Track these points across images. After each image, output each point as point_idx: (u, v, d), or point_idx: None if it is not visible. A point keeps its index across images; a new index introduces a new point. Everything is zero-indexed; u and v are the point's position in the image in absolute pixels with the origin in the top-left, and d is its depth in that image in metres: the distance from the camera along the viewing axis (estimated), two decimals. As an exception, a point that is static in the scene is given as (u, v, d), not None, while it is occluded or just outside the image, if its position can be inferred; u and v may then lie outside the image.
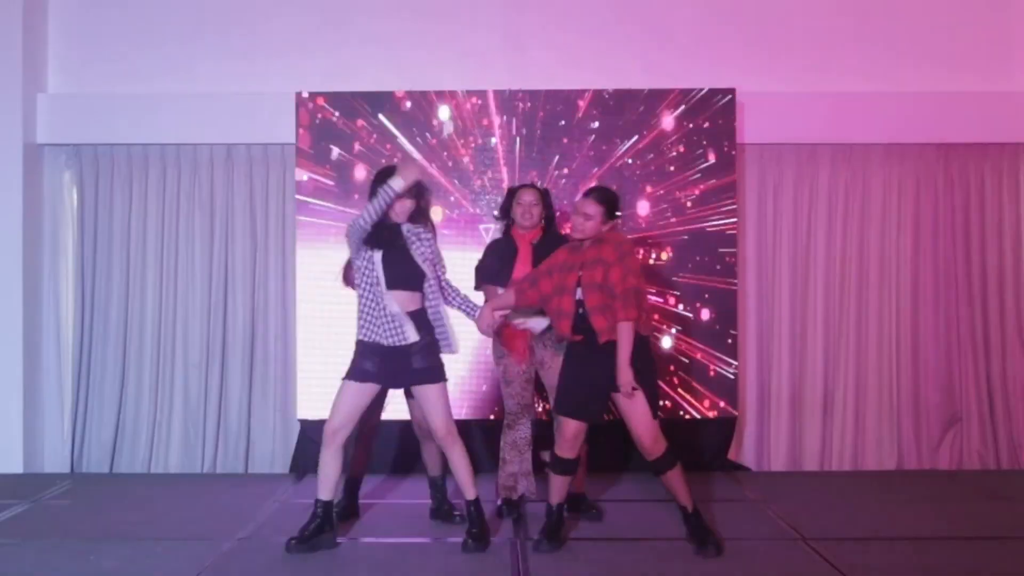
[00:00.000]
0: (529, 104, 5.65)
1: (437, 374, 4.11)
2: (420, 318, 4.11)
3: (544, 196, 4.74)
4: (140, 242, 5.96)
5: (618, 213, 4.19)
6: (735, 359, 5.66)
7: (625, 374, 3.91)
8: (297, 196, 5.65)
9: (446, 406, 4.14)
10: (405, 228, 4.15)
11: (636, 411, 3.97)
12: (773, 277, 5.99)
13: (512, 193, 4.76)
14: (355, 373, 4.10)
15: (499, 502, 4.69)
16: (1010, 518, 4.65)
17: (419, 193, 4.17)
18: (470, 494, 4.16)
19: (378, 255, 4.08)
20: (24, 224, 5.77)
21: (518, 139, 5.65)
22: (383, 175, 4.10)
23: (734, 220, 5.66)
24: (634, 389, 3.93)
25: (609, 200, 4.12)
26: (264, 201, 6.00)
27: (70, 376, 5.93)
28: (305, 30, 5.98)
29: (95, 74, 6.01)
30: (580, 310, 4.03)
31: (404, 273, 4.09)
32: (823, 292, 5.97)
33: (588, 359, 4.06)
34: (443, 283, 4.26)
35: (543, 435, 4.76)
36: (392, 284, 4.07)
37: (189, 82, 5.98)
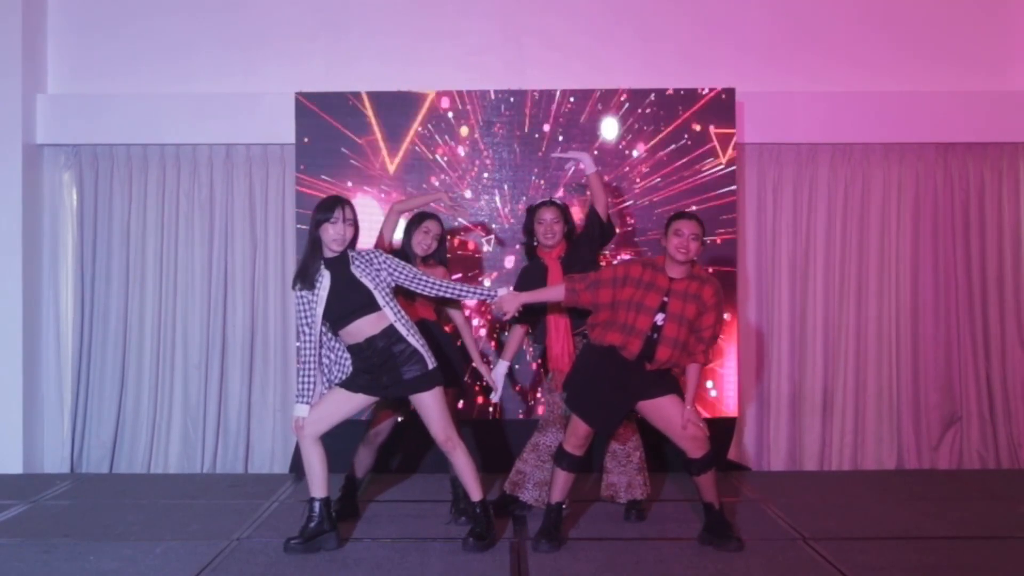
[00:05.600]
0: (527, 104, 5.65)
1: (429, 381, 4.04)
2: (393, 333, 4.01)
3: (564, 212, 4.75)
4: (140, 242, 5.97)
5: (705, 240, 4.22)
6: (735, 359, 5.65)
7: (694, 411, 4.09)
8: (297, 193, 5.65)
9: (443, 412, 4.09)
10: (351, 255, 4.06)
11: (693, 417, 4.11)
12: (773, 277, 5.99)
13: (532, 211, 4.76)
14: (347, 382, 4.10)
15: (501, 493, 4.72)
16: (1010, 518, 4.65)
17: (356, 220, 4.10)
18: (476, 495, 4.15)
19: (324, 294, 4.00)
20: (24, 224, 5.78)
21: (517, 139, 5.65)
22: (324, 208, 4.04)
23: (734, 220, 5.66)
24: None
25: (704, 229, 4.16)
26: (264, 201, 6.00)
27: (70, 376, 5.93)
28: (304, 30, 5.98)
29: (95, 74, 6.02)
30: (653, 334, 4.04)
31: (351, 303, 3.99)
32: (823, 292, 5.98)
33: (617, 371, 4.08)
34: (423, 287, 4.12)
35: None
36: (346, 317, 4.00)
37: (189, 82, 5.98)
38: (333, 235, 3.99)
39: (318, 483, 4.09)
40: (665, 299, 4.05)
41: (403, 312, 4.08)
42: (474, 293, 4.21)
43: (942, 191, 6.01)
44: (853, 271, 5.98)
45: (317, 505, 4.09)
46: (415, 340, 4.03)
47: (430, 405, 4.06)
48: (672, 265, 4.09)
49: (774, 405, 5.97)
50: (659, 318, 4.04)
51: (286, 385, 5.91)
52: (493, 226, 5.61)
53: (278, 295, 5.96)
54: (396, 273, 4.07)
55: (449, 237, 5.33)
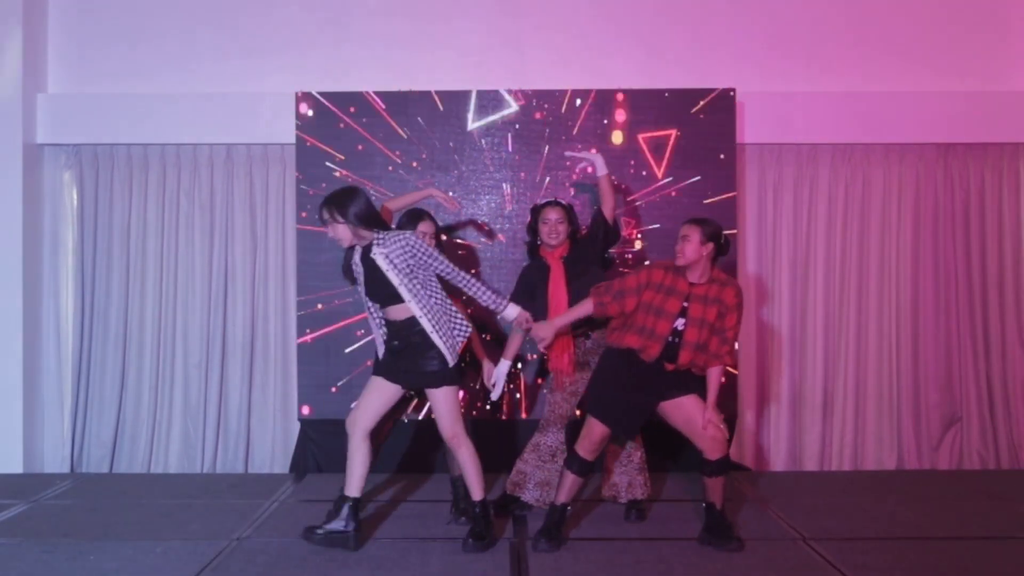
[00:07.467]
0: (527, 104, 5.64)
1: (441, 379, 4.07)
2: (415, 324, 4.03)
3: (569, 212, 4.74)
4: (140, 242, 5.97)
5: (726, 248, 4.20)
6: (735, 359, 5.65)
7: (715, 412, 4.09)
8: (298, 192, 5.65)
9: (451, 410, 4.12)
10: (375, 242, 4.06)
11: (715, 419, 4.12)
12: (773, 277, 5.99)
13: (537, 211, 4.75)
14: (376, 366, 4.20)
15: (502, 492, 4.72)
16: (1010, 518, 4.65)
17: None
18: (476, 495, 4.17)
19: (362, 279, 4.11)
20: (24, 224, 5.78)
21: (517, 139, 5.64)
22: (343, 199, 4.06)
23: (734, 220, 5.65)
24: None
25: (715, 233, 4.11)
26: (264, 201, 6.00)
27: (70, 376, 5.93)
28: (305, 30, 5.98)
29: (95, 74, 6.02)
30: (674, 339, 4.05)
31: (382, 292, 4.07)
32: (823, 292, 5.98)
33: (638, 373, 4.09)
34: (452, 279, 4.12)
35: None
36: (382, 301, 4.12)
37: (189, 82, 5.98)
38: (331, 237, 4.07)
39: (356, 483, 4.07)
40: (685, 304, 4.06)
41: (435, 306, 4.08)
42: (486, 297, 4.18)
43: (942, 191, 6.01)
44: (853, 271, 5.97)
45: (348, 504, 4.07)
46: (438, 337, 4.04)
47: (440, 401, 4.11)
48: (689, 270, 4.10)
49: (774, 405, 5.97)
50: (679, 323, 4.05)
51: (286, 385, 5.91)
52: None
53: (278, 295, 5.95)
54: (435, 265, 4.08)
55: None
